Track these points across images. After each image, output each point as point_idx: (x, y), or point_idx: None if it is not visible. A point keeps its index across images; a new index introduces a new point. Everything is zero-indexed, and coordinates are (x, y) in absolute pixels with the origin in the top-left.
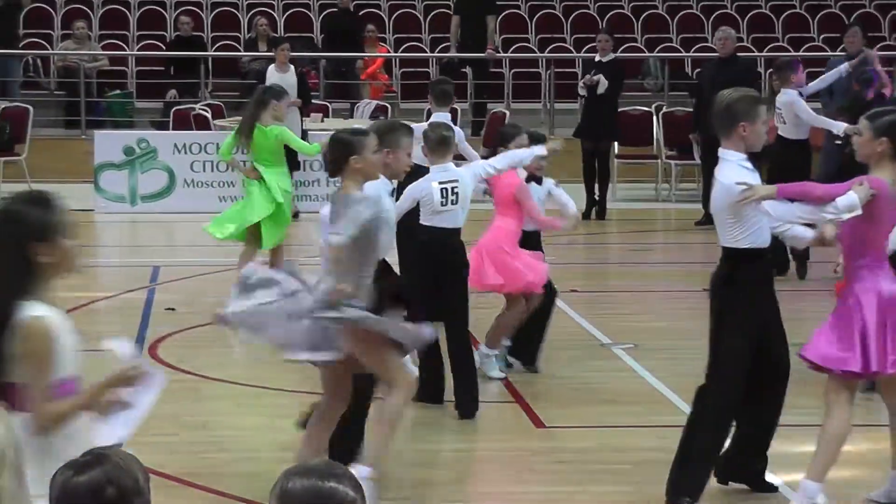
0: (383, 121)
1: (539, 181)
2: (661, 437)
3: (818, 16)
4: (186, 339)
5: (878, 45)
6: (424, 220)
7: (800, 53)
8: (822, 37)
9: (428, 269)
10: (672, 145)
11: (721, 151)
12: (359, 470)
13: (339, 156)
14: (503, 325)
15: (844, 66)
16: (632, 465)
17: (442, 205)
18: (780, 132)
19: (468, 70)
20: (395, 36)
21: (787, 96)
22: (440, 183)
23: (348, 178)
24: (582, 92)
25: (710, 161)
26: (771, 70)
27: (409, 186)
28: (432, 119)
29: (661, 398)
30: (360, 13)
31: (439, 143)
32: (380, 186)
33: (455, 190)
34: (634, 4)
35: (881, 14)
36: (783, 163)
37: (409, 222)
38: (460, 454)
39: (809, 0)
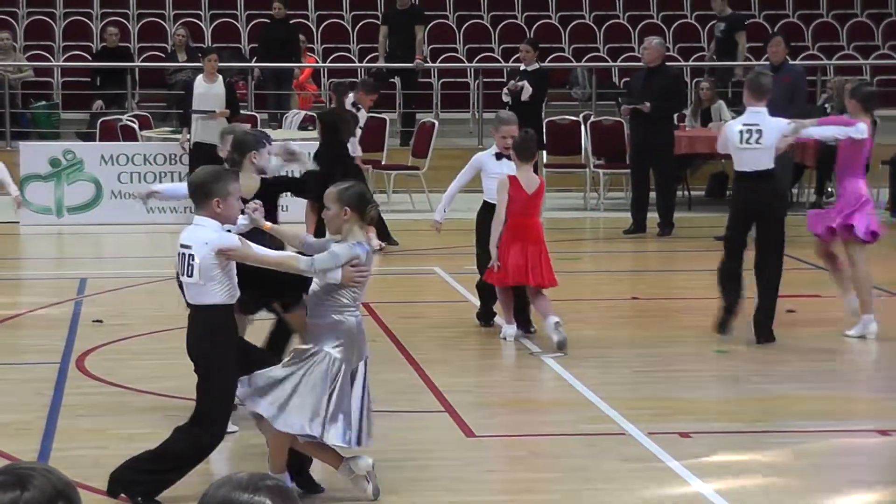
0: None
1: None
2: (590, 446)
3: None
4: (114, 351)
5: (802, 56)
6: None
7: (726, 63)
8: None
9: None
10: (600, 154)
11: None
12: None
13: None
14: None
15: None
16: (562, 473)
17: None
18: None
19: (397, 80)
20: (324, 46)
21: None
22: None
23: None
24: (506, 98)
25: (639, 168)
26: (697, 80)
27: None
28: None
29: (590, 406)
30: (290, 22)
31: None
32: None
33: None
34: (561, 14)
35: (804, 24)
36: None
37: None
38: (389, 464)
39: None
